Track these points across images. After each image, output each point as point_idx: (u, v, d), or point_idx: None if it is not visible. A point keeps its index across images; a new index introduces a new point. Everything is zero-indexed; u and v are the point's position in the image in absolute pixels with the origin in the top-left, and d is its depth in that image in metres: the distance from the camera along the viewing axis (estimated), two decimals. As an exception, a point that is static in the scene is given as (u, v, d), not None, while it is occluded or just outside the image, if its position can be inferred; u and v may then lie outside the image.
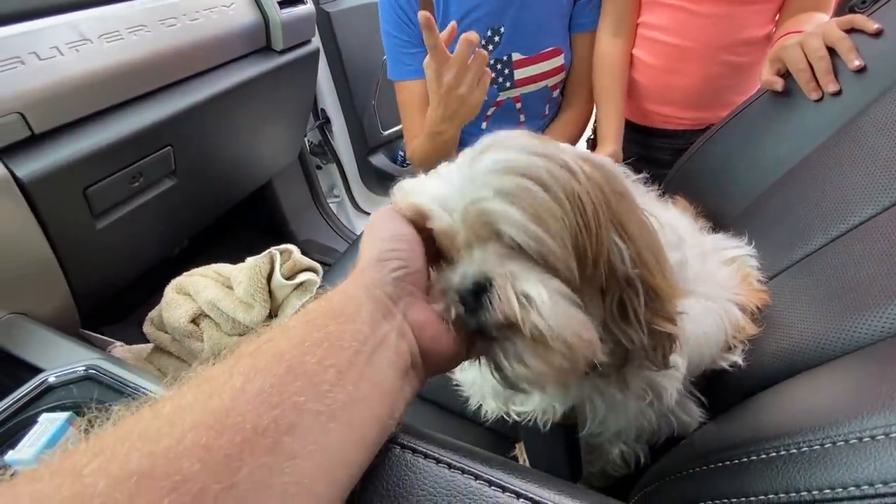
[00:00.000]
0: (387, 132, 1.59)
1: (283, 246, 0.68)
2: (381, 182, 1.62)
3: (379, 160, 1.60)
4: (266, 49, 0.97)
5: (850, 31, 0.58)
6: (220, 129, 0.89)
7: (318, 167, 1.61)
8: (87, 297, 0.78)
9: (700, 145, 0.78)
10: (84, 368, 0.44)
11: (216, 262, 0.77)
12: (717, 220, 0.71)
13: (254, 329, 0.67)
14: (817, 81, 0.59)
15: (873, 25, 0.55)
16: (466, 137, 0.98)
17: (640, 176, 0.51)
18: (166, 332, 0.72)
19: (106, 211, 0.73)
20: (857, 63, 0.55)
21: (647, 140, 0.97)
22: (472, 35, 0.62)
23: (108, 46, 0.67)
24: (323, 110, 1.47)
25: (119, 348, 0.73)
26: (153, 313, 0.74)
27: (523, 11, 0.83)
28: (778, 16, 0.81)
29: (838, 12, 0.72)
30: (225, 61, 0.87)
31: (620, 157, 0.83)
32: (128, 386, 0.42)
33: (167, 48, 0.75)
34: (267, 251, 0.66)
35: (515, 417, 0.51)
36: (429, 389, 0.62)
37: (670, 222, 0.46)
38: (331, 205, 1.63)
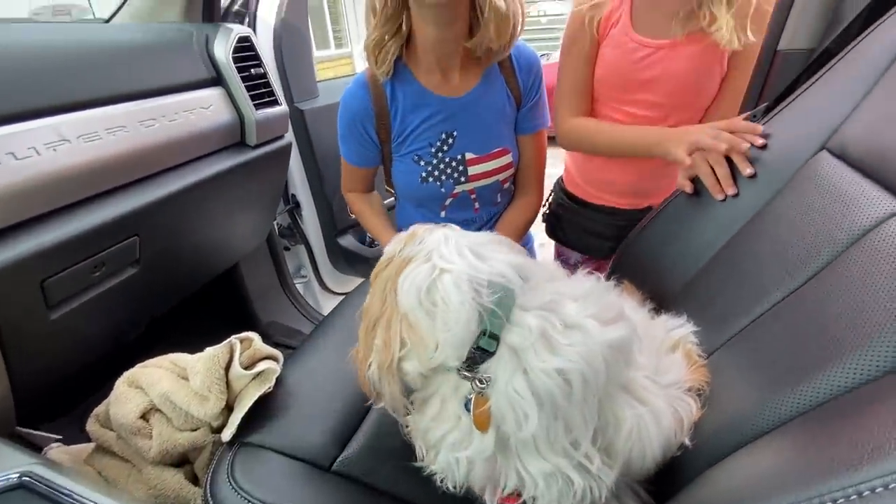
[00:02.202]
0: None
1: (243, 334, 0.68)
2: (349, 262, 1.66)
3: (347, 241, 1.65)
4: (240, 144, 1.03)
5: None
6: (189, 218, 0.92)
7: (286, 248, 1.64)
8: (29, 391, 0.73)
9: (639, 231, 0.86)
10: (18, 476, 0.42)
11: (174, 347, 0.75)
12: (660, 298, 0.77)
13: (208, 423, 0.65)
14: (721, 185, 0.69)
15: (757, 139, 0.66)
16: (426, 223, 1.05)
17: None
18: (111, 430, 0.68)
19: (62, 301, 0.72)
20: (748, 171, 0.65)
21: (591, 215, 1.06)
22: None
23: (85, 146, 0.71)
24: (293, 195, 1.53)
25: (56, 450, 0.68)
26: (99, 409, 0.71)
27: (473, 119, 0.93)
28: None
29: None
30: (199, 156, 0.92)
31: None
32: (64, 496, 0.39)
33: (143, 146, 0.80)
34: (227, 340, 0.66)
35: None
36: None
37: (638, 324, 0.52)
38: (297, 285, 1.64)
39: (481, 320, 0.46)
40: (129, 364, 0.73)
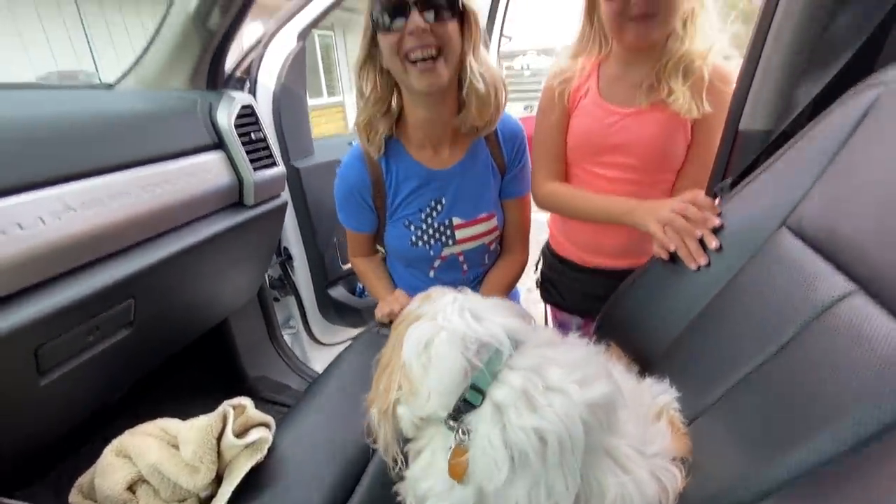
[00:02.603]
0: (346, 266, 1.68)
1: (235, 400, 0.68)
2: (339, 313, 1.66)
3: (338, 292, 1.66)
4: (237, 204, 1.06)
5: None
6: (184, 279, 0.93)
7: (276, 299, 1.64)
8: (7, 458, 0.72)
9: (622, 292, 0.90)
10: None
11: (159, 404, 0.75)
12: (644, 360, 0.80)
13: (196, 494, 0.64)
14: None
15: (716, 219, 0.72)
16: (415, 283, 1.08)
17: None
18: (95, 501, 0.66)
19: (54, 367, 0.72)
20: (714, 244, 0.70)
21: (589, 279, 1.08)
22: None
23: (89, 213, 0.73)
24: (286, 248, 1.55)
25: (35, 523, 0.66)
26: (83, 479, 0.69)
27: (460, 187, 0.99)
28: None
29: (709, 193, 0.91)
30: (197, 217, 0.95)
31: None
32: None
33: (144, 211, 0.82)
34: (220, 408, 0.66)
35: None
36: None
37: (625, 390, 0.55)
38: (286, 337, 1.63)
39: (469, 375, 0.51)
40: (111, 424, 0.73)
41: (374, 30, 0.83)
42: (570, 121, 0.99)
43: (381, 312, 1.01)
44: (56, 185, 0.71)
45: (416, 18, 0.78)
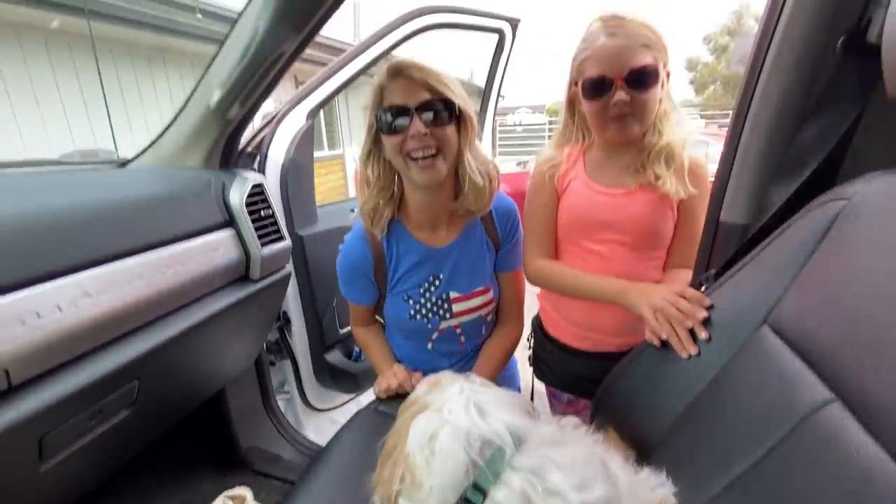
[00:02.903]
0: (344, 330, 1.69)
1: (234, 491, 0.68)
2: (334, 378, 1.66)
3: (334, 357, 1.66)
4: (243, 278, 1.10)
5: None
6: (188, 356, 0.95)
7: (272, 363, 1.64)
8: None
9: (618, 373, 0.93)
10: None
11: (149, 477, 0.73)
12: (641, 447, 0.81)
13: None
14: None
15: (702, 313, 0.76)
16: (413, 354, 1.11)
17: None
18: None
19: (55, 453, 0.72)
20: (703, 335, 0.74)
21: (581, 362, 1.10)
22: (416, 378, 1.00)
23: (104, 298, 0.76)
24: (285, 312, 1.57)
25: None
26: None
27: (457, 263, 1.05)
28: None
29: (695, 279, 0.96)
30: (203, 294, 0.98)
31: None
32: None
33: (156, 292, 0.85)
34: (220, 499, 0.66)
35: None
36: None
37: (624, 485, 0.56)
38: (279, 401, 1.61)
39: (471, 473, 0.51)
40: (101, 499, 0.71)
41: (378, 129, 0.91)
42: (560, 201, 1.05)
43: (379, 388, 1.02)
44: (76, 272, 0.74)
45: (417, 124, 0.86)
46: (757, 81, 0.83)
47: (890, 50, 0.54)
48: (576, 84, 0.95)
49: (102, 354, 0.76)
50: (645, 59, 0.86)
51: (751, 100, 0.84)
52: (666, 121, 0.95)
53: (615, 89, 0.88)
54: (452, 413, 0.56)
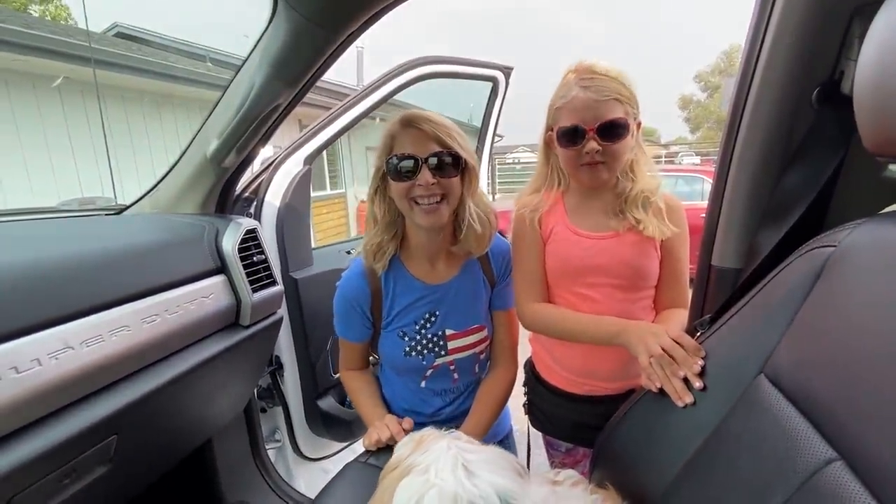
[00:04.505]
0: (337, 375, 1.65)
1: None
2: (326, 426, 1.60)
3: (326, 403, 1.62)
4: (233, 325, 1.08)
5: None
6: (172, 407, 0.92)
7: (263, 410, 1.59)
8: None
9: (615, 423, 0.89)
10: None
11: None
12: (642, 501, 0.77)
13: None
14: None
15: (697, 363, 0.74)
16: (406, 392, 1.09)
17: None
18: None
19: (22, 517, 0.68)
20: (698, 385, 0.72)
21: (578, 408, 1.07)
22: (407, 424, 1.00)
23: (87, 350, 0.75)
24: (277, 357, 1.54)
25: None
26: None
27: (453, 301, 1.06)
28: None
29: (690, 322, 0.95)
30: (192, 342, 0.96)
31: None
32: None
33: (141, 342, 0.84)
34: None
35: None
36: None
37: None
38: (269, 451, 1.56)
39: None
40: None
41: (386, 174, 0.95)
42: (545, 247, 1.05)
43: (369, 440, 0.99)
44: (59, 324, 0.73)
45: (426, 174, 0.90)
46: (738, 129, 0.85)
47: (861, 103, 0.55)
48: (551, 130, 0.99)
49: (79, 408, 0.74)
50: (616, 112, 0.90)
51: (734, 147, 0.86)
52: (638, 168, 0.99)
53: (588, 139, 0.91)
54: (439, 475, 0.55)
